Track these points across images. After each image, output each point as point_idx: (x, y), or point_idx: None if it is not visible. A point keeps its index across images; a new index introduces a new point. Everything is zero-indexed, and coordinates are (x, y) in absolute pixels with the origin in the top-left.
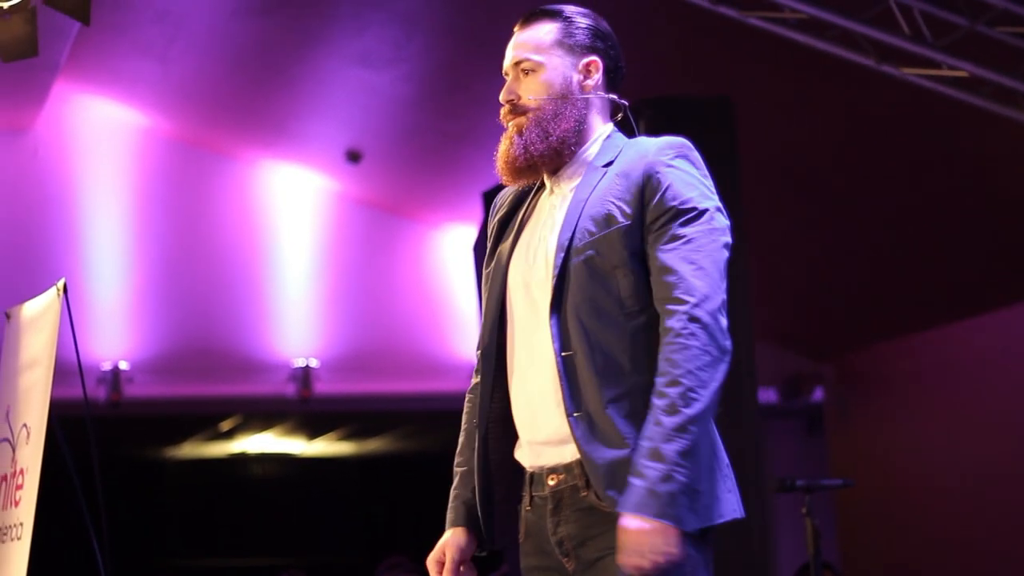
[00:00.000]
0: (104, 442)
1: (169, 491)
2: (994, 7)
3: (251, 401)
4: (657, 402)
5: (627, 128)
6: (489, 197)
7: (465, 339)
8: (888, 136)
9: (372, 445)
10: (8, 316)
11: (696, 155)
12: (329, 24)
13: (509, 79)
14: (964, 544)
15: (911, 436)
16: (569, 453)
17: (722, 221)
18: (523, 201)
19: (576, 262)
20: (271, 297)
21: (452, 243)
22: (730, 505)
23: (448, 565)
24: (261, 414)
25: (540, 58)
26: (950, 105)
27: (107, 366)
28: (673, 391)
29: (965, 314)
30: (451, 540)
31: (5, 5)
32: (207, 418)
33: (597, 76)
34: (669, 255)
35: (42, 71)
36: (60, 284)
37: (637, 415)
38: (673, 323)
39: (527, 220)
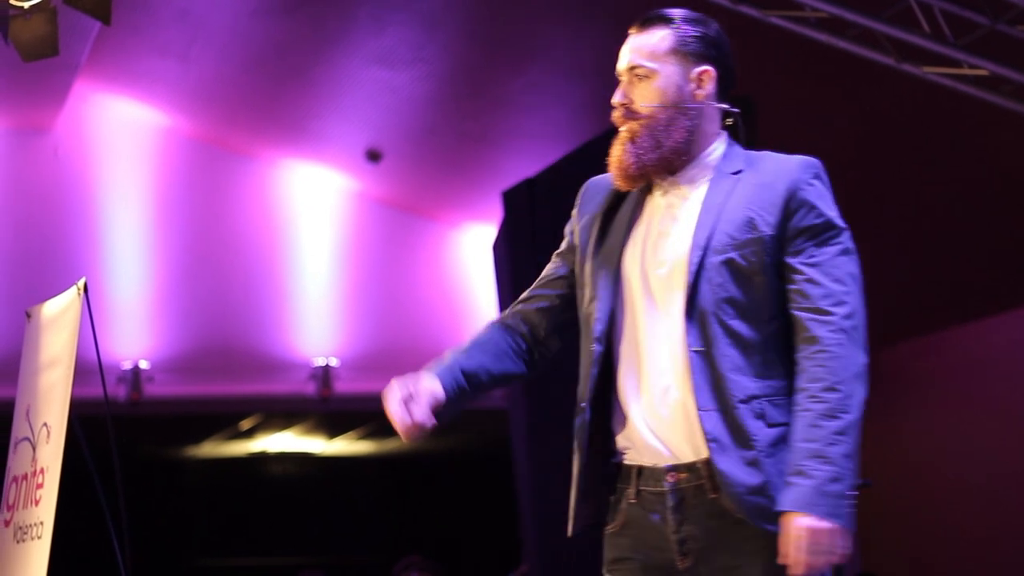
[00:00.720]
0: (124, 441)
1: (189, 490)
2: (1016, 6)
3: (271, 400)
4: (814, 406)
5: (734, 134)
6: (509, 197)
7: None
8: (908, 135)
9: (392, 444)
10: (28, 315)
11: (827, 176)
12: (349, 24)
13: (623, 82)
14: (984, 541)
15: (931, 434)
16: (692, 451)
17: (852, 242)
18: (623, 197)
19: (715, 262)
20: (291, 296)
21: (471, 242)
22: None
23: (424, 400)
24: (281, 413)
25: (654, 65)
26: (971, 104)
27: (127, 365)
28: (832, 396)
29: (986, 312)
30: (429, 385)
31: (26, 5)
32: (227, 417)
33: (710, 85)
34: (814, 270)
35: (62, 71)
36: (80, 283)
37: (764, 417)
38: (822, 332)
39: (637, 217)
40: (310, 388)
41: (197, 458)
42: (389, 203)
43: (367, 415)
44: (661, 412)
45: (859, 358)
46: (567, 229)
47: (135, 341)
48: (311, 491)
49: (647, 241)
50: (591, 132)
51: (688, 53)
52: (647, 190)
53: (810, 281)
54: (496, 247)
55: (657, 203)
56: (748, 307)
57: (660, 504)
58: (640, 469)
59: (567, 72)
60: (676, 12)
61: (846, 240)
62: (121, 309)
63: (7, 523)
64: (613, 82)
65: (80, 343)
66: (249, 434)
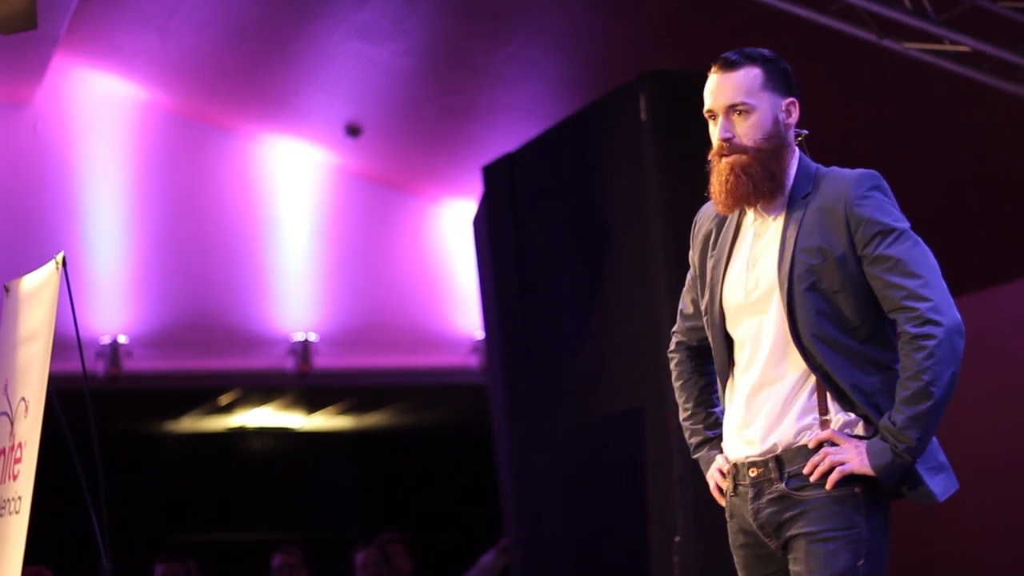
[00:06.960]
0: (102, 416)
1: (167, 465)
2: None
3: (250, 375)
4: (902, 392)
5: (802, 148)
6: (490, 171)
7: (464, 313)
8: (889, 111)
9: (371, 419)
10: (7, 289)
11: (885, 184)
12: None
13: (721, 119)
14: (984, 529)
15: None
16: (767, 450)
17: (916, 236)
18: (724, 220)
19: (801, 289)
20: (270, 271)
21: (452, 217)
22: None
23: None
24: (260, 388)
25: (753, 101)
26: (952, 80)
27: (106, 340)
28: (915, 385)
29: (967, 289)
30: (718, 465)
31: None
32: (206, 392)
33: (796, 115)
34: (891, 274)
35: (41, 44)
36: (59, 257)
37: (878, 408)
38: (910, 328)
39: (736, 243)
40: (289, 363)
41: (176, 433)
42: (369, 178)
43: (346, 390)
44: (762, 422)
45: (943, 345)
46: (690, 259)
47: (114, 315)
48: (290, 466)
49: (741, 273)
50: (572, 106)
51: (776, 88)
52: (741, 214)
53: (891, 285)
54: (476, 222)
55: (748, 230)
56: (838, 320)
57: (747, 495)
58: (735, 466)
59: (549, 45)
60: (755, 52)
61: (910, 238)
62: (100, 283)
63: None
64: (595, 56)
65: (58, 317)
66: (228, 409)
